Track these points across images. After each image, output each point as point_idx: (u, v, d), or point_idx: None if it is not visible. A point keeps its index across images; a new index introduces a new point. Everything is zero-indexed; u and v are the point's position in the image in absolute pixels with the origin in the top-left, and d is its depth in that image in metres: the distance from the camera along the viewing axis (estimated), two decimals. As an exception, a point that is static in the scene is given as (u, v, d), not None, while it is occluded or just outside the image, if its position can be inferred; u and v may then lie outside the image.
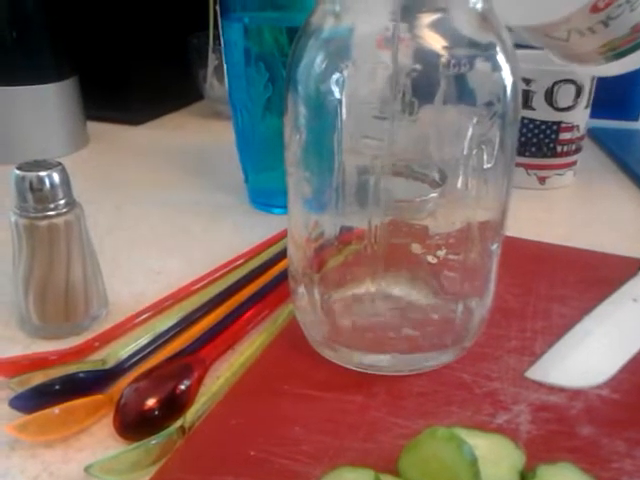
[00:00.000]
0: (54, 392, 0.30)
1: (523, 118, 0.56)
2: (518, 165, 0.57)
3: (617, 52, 0.47)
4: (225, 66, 0.51)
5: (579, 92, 0.55)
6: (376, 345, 0.31)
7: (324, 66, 0.28)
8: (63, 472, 0.27)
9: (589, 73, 0.53)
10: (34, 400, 0.30)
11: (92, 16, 0.73)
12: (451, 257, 0.31)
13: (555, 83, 0.54)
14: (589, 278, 0.41)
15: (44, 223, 0.34)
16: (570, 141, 0.57)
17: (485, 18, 0.28)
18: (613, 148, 0.67)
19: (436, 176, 0.29)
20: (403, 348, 0.31)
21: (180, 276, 0.42)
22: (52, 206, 0.34)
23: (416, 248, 0.31)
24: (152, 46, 0.77)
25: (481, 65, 0.27)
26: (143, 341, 0.35)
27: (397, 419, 0.29)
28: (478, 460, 0.23)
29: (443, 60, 0.26)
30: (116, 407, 0.30)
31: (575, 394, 0.31)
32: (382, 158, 0.28)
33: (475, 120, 0.27)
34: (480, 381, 0.31)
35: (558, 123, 0.56)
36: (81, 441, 0.29)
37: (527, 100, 0.55)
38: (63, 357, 0.34)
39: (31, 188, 0.33)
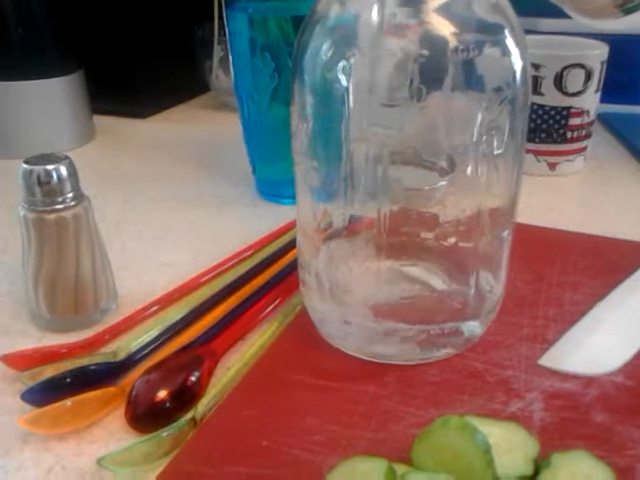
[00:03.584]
0: (66, 385, 0.31)
1: (532, 104, 0.55)
2: (528, 151, 0.57)
3: (634, 5, 0.45)
4: (230, 57, 0.51)
5: (589, 76, 0.54)
6: (387, 334, 0.31)
7: (330, 54, 0.28)
8: (76, 464, 0.27)
9: (600, 28, 0.50)
10: (46, 393, 0.30)
11: (97, 10, 0.73)
12: (462, 244, 0.31)
13: (564, 68, 0.53)
14: (601, 264, 0.40)
15: (52, 217, 0.34)
16: (580, 126, 0.56)
17: (494, 2, 0.27)
18: (624, 133, 0.67)
19: (445, 163, 0.29)
20: (414, 337, 0.31)
21: (189, 268, 0.42)
22: (60, 199, 0.34)
23: (426, 236, 0.30)
24: (157, 39, 0.76)
25: (490, 50, 0.27)
26: (153, 333, 0.35)
27: (409, 408, 0.29)
28: (491, 448, 0.23)
29: (451, 45, 0.26)
30: (127, 399, 0.30)
31: (589, 381, 0.30)
32: (391, 146, 0.28)
33: (484, 106, 0.27)
34: (492, 369, 0.31)
35: (568, 108, 0.55)
36: (93, 433, 0.29)
37: (536, 86, 0.54)
38: (74, 350, 0.34)
39: (39, 182, 0.33)
